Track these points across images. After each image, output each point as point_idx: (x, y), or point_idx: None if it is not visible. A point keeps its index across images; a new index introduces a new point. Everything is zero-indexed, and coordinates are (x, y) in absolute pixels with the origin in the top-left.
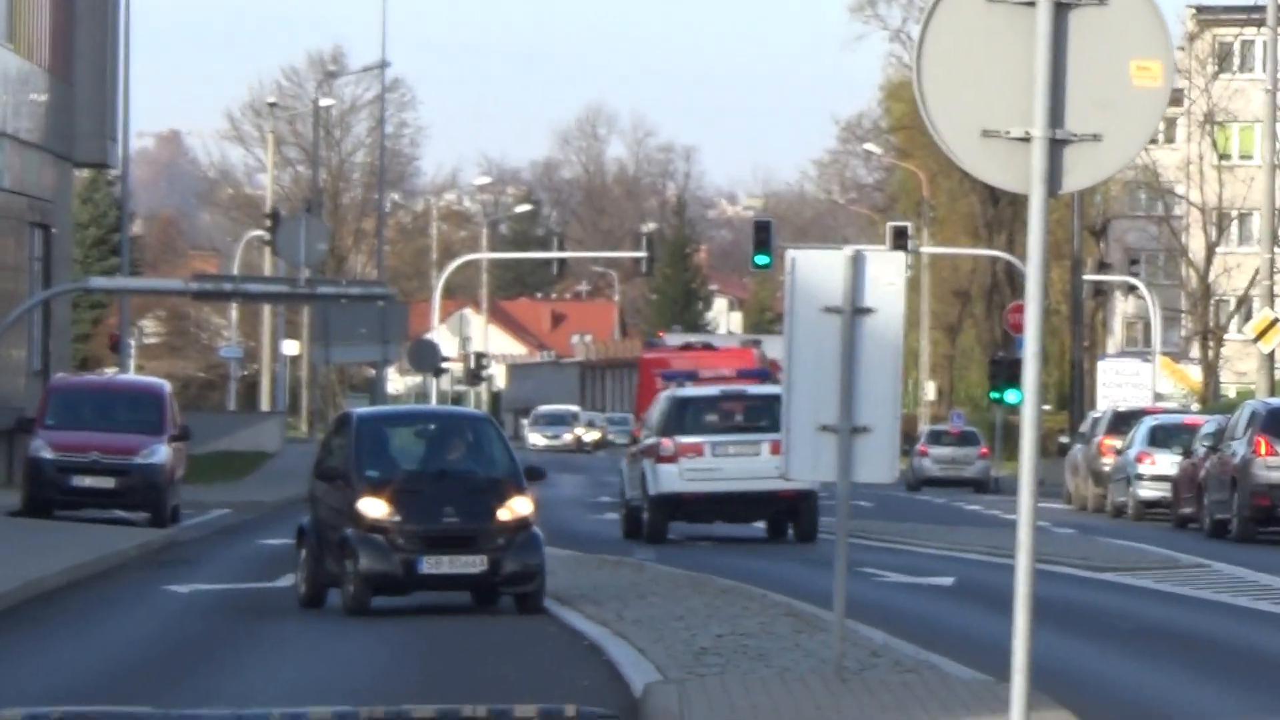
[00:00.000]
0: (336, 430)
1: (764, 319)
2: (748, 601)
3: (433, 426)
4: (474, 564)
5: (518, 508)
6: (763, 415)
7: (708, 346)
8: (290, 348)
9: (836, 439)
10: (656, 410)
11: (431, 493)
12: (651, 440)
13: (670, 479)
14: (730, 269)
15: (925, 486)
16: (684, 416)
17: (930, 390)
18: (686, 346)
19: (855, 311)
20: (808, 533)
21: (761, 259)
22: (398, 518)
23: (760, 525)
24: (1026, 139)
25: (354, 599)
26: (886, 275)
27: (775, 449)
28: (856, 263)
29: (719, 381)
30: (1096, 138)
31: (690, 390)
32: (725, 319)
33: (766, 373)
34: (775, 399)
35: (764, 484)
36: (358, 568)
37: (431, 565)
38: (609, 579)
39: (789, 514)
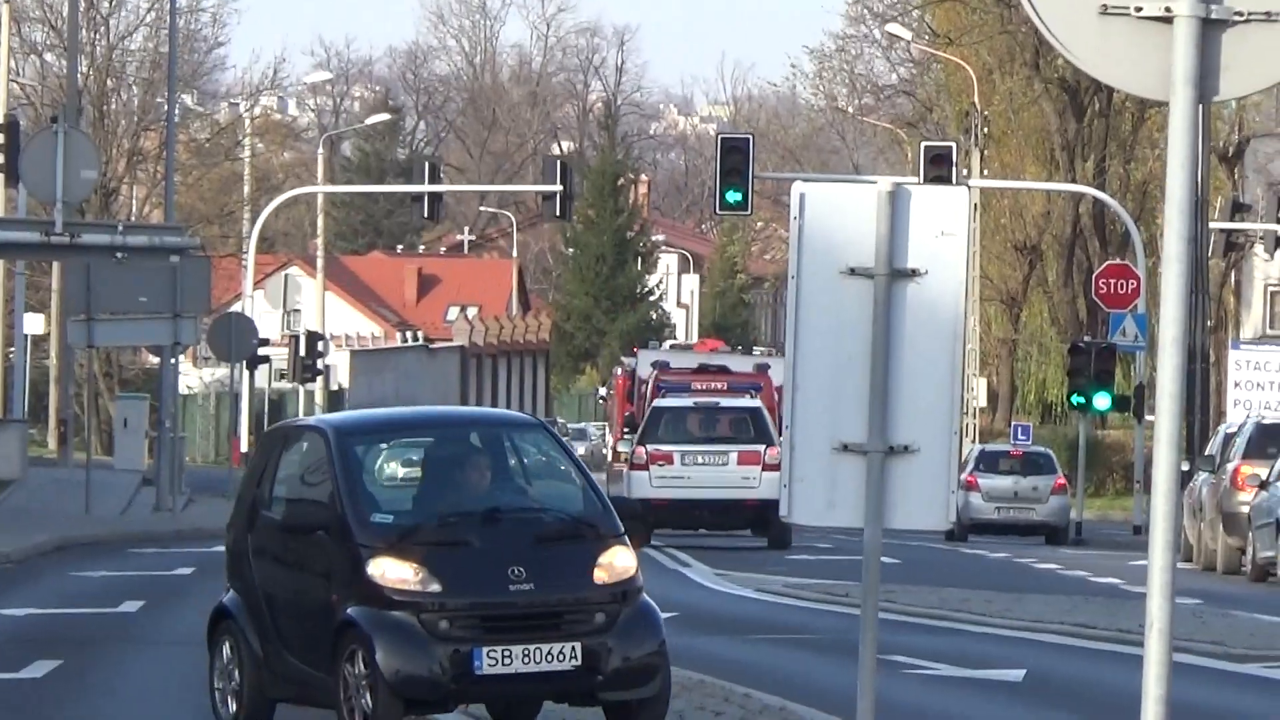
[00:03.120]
0: (280, 452)
1: (732, 287)
2: (721, 704)
3: (463, 440)
4: (561, 656)
5: (619, 564)
6: (733, 427)
7: (724, 370)
8: (33, 324)
9: (864, 464)
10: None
11: (484, 546)
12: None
13: (642, 485)
14: (684, 210)
15: (974, 534)
16: (659, 426)
17: (980, 391)
18: (702, 369)
19: (894, 275)
20: (780, 539)
21: (732, 195)
22: (436, 587)
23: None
24: (1167, 18)
25: None
26: (942, 220)
27: (743, 459)
28: (897, 201)
29: (711, 394)
30: (1270, 17)
31: (667, 401)
32: (674, 285)
33: (759, 387)
34: (749, 411)
35: (729, 492)
36: (377, 669)
37: (495, 661)
38: None
39: (756, 522)
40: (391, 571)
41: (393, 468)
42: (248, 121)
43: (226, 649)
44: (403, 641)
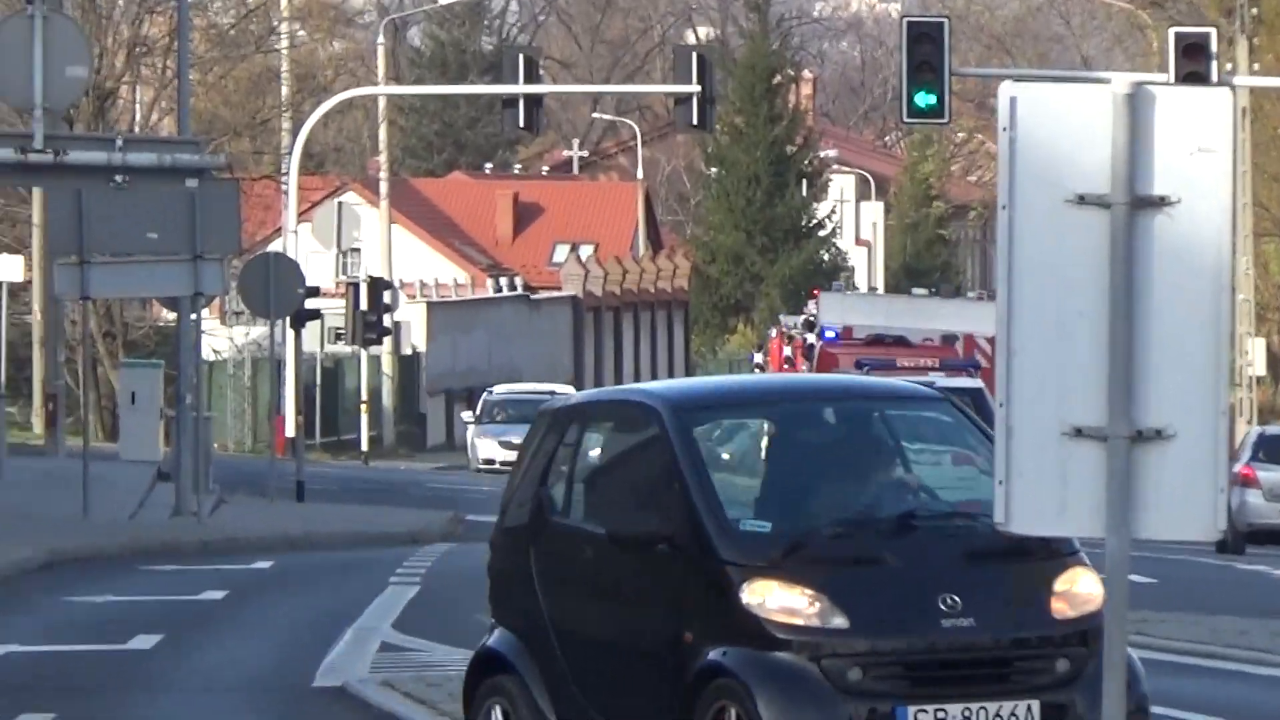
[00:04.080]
0: (579, 436)
1: (926, 218)
2: None
3: (840, 418)
4: (1014, 718)
5: (1083, 591)
6: None
7: (901, 341)
8: (9, 269)
9: (1104, 454)
10: None
11: (901, 566)
12: None
13: None
14: (861, 118)
15: (1253, 544)
16: None
17: (1257, 356)
18: (876, 340)
19: (1136, 204)
20: None
21: (923, 98)
22: (841, 621)
23: None
24: None
25: None
26: (1199, 131)
27: (960, 460)
28: (1138, 106)
29: (916, 372)
30: None
31: None
32: (850, 216)
33: (977, 364)
34: (969, 395)
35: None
36: None
37: None
38: None
39: None
40: (777, 599)
41: (772, 456)
42: (285, 1)
43: (498, 713)
44: (799, 696)
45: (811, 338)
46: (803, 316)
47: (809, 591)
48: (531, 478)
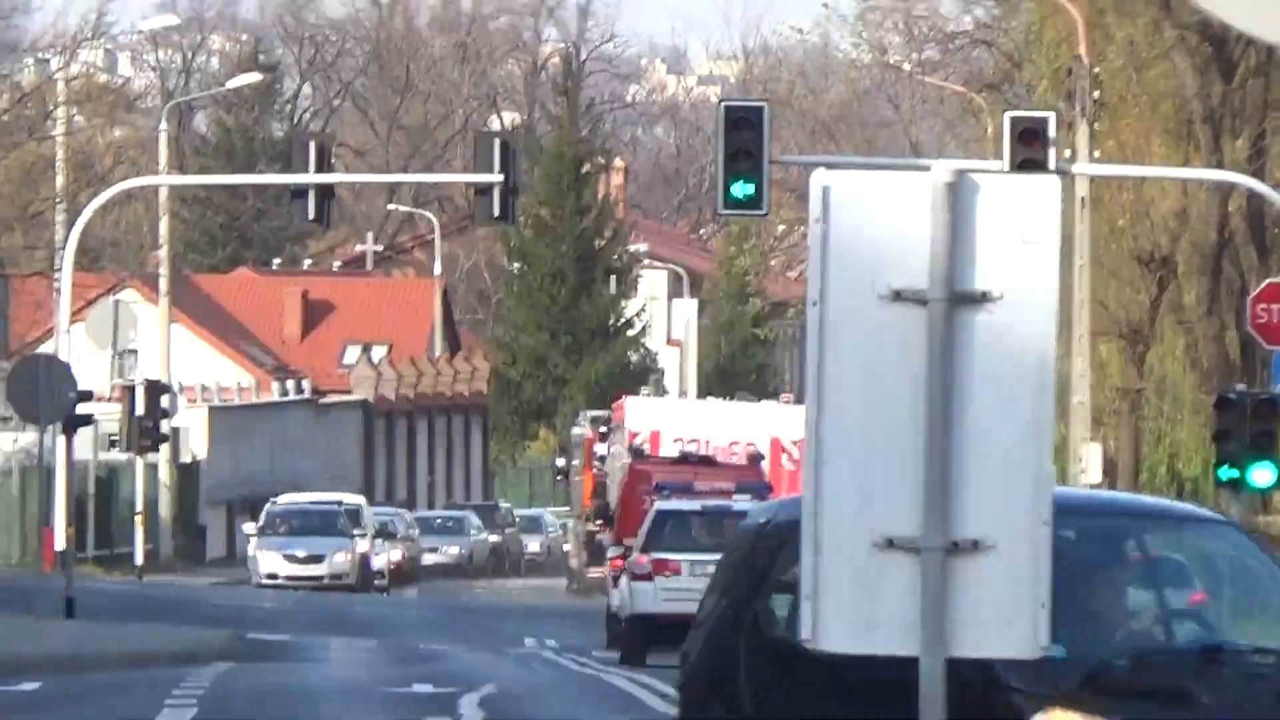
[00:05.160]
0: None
1: (743, 317)
2: None
3: (1128, 539)
4: None
5: None
6: None
7: (706, 460)
8: None
9: (918, 567)
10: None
11: (1209, 703)
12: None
13: (645, 598)
14: (675, 210)
15: None
16: (664, 531)
17: (1092, 462)
18: (682, 459)
19: (956, 300)
20: None
21: (741, 188)
22: None
23: None
24: None
25: None
26: (1025, 222)
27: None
28: (960, 195)
29: (716, 495)
30: None
31: (672, 504)
32: (662, 314)
33: (770, 487)
34: None
35: None
36: None
37: None
38: None
39: None
40: None
41: (1073, 571)
42: (61, 85)
43: None
44: None
45: (601, 449)
46: (589, 426)
47: None
48: (749, 589)
